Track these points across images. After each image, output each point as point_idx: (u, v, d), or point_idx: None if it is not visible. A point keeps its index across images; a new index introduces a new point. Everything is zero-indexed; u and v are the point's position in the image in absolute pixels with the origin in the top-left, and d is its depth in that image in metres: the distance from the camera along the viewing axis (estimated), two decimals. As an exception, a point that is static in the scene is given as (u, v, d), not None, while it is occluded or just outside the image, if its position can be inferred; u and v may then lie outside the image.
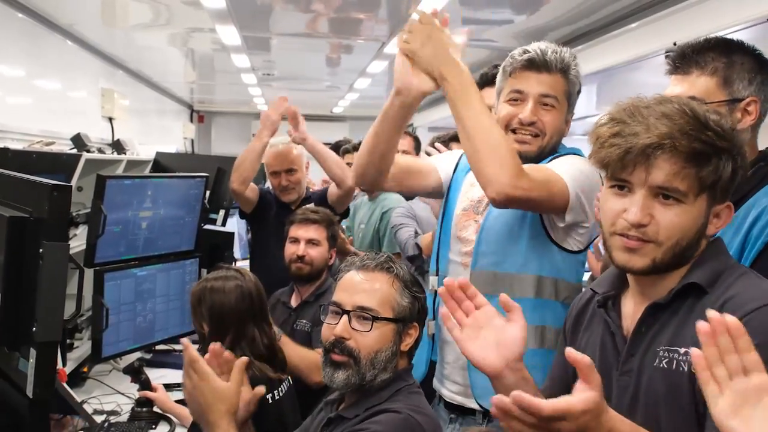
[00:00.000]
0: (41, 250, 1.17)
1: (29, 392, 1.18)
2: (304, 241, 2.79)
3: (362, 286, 1.61)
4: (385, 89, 7.05)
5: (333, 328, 1.60)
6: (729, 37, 1.65)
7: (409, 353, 1.66)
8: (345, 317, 1.58)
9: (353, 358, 1.57)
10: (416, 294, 1.64)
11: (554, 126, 1.87)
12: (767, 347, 1.01)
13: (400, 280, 1.63)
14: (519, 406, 1.00)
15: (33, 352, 1.18)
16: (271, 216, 3.43)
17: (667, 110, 1.17)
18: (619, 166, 1.19)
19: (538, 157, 1.88)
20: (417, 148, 3.68)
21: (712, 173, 1.15)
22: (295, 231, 2.83)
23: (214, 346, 1.68)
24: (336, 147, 5.17)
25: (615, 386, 1.23)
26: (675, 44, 2.54)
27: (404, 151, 3.52)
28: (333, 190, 3.44)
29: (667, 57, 2.46)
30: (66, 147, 3.05)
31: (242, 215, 3.60)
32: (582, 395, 1.02)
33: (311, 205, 3.11)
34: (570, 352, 1.04)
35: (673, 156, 1.15)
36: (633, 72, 3.38)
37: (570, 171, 1.79)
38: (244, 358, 1.83)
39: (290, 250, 2.81)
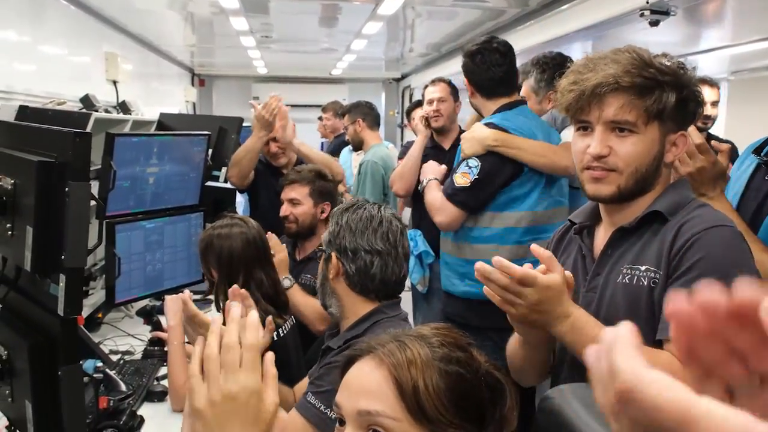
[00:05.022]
0: (67, 189, 1.35)
1: (60, 311, 1.37)
2: (287, 202, 2.95)
3: None
4: (382, 50, 7.14)
5: None
6: None
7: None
8: None
9: None
10: None
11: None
12: (708, 259, 1.26)
13: None
14: (498, 267, 1.23)
15: (63, 277, 1.37)
16: (262, 182, 3.59)
17: (617, 57, 1.35)
18: (577, 108, 1.37)
19: None
20: (454, 93, 3.75)
21: (656, 103, 1.33)
22: (282, 193, 3.00)
23: (235, 288, 1.88)
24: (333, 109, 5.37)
25: (581, 302, 1.40)
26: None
27: (440, 99, 3.68)
28: None
29: (642, 16, 2.62)
30: (75, 108, 3.20)
31: (239, 190, 3.76)
32: (548, 275, 1.24)
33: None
34: (534, 247, 1.26)
35: (618, 91, 1.32)
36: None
37: None
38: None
39: (281, 211, 2.99)
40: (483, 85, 2.77)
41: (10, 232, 1.48)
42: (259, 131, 3.39)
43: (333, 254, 1.81)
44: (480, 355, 1.03)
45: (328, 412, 1.62)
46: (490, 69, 2.72)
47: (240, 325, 0.94)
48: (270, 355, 0.94)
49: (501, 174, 2.60)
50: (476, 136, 2.61)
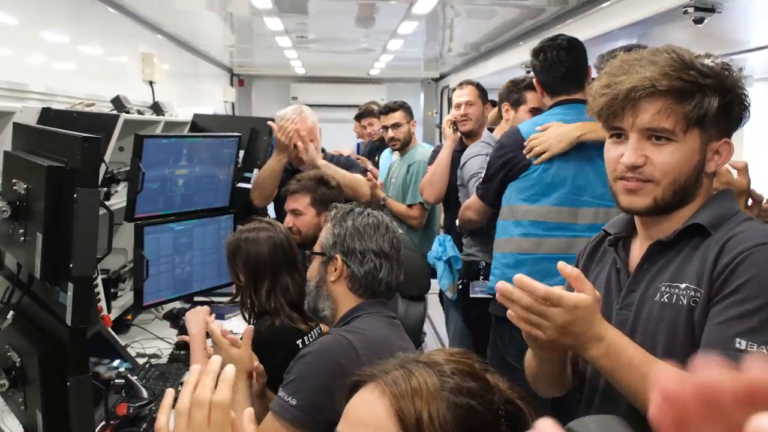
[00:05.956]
0: (75, 195, 1.31)
1: (69, 321, 1.33)
2: (289, 213, 2.87)
3: None
4: (421, 50, 7.05)
5: None
6: None
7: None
8: None
9: None
10: None
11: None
12: (759, 280, 1.14)
13: None
14: (519, 286, 1.13)
15: (71, 286, 1.33)
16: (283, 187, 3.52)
17: (655, 58, 1.24)
18: (610, 114, 1.28)
19: None
20: (483, 96, 3.70)
21: (696, 109, 1.22)
22: (285, 204, 2.92)
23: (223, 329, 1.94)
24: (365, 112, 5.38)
25: (614, 320, 1.30)
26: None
27: (468, 102, 3.61)
28: None
29: (685, 13, 2.50)
30: (107, 109, 3.21)
31: None
32: (576, 294, 1.14)
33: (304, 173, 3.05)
34: (561, 265, 1.15)
35: (655, 96, 1.22)
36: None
37: None
38: (251, 327, 2.00)
39: (284, 222, 2.85)
40: (548, 84, 2.59)
41: (23, 238, 1.46)
42: (278, 154, 3.33)
43: (338, 256, 1.82)
44: (502, 382, 0.95)
45: (290, 400, 1.60)
46: (553, 66, 2.54)
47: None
48: (249, 411, 0.91)
49: None
50: (556, 134, 2.42)
